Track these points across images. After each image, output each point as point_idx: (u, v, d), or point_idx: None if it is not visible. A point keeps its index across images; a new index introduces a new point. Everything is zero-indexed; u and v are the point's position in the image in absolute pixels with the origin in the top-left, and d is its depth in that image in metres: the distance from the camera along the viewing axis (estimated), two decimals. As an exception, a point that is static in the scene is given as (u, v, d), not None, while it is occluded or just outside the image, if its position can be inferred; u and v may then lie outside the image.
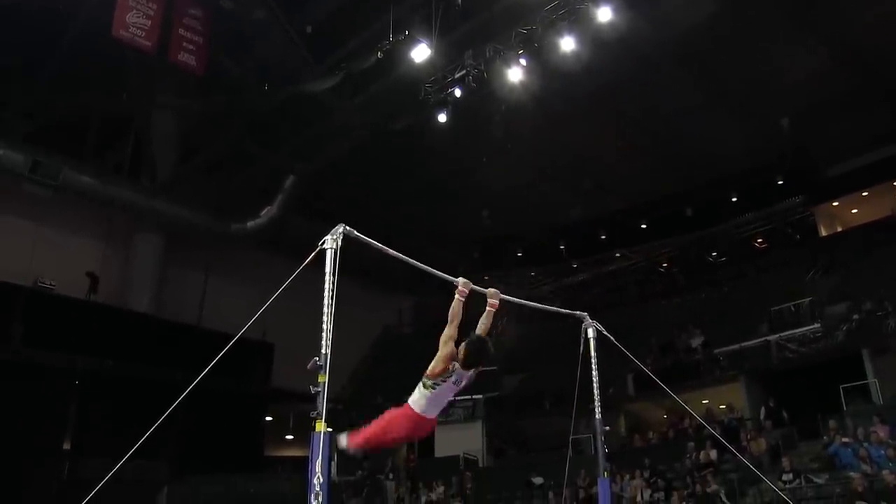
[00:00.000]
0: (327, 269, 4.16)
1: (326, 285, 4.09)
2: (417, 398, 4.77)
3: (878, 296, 16.07)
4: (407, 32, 15.14)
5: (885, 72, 17.78)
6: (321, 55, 17.05)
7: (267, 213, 20.09)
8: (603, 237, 25.47)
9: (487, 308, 5.08)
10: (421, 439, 4.36)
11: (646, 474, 14.70)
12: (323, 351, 3.86)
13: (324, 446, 3.62)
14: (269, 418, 21.85)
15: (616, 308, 22.94)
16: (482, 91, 15.47)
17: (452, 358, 4.65)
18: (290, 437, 24.18)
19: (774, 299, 18.65)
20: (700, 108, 18.90)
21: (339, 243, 4.24)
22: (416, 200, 22.47)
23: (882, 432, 12.32)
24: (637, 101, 18.71)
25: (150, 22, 15.40)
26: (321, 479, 3.55)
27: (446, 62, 15.54)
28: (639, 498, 14.08)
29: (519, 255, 26.63)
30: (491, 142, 19.55)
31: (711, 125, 19.73)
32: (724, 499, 12.66)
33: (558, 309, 6.93)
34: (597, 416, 6.18)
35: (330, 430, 3.72)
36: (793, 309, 18.11)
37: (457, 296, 4.90)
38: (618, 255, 25.84)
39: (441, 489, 17.42)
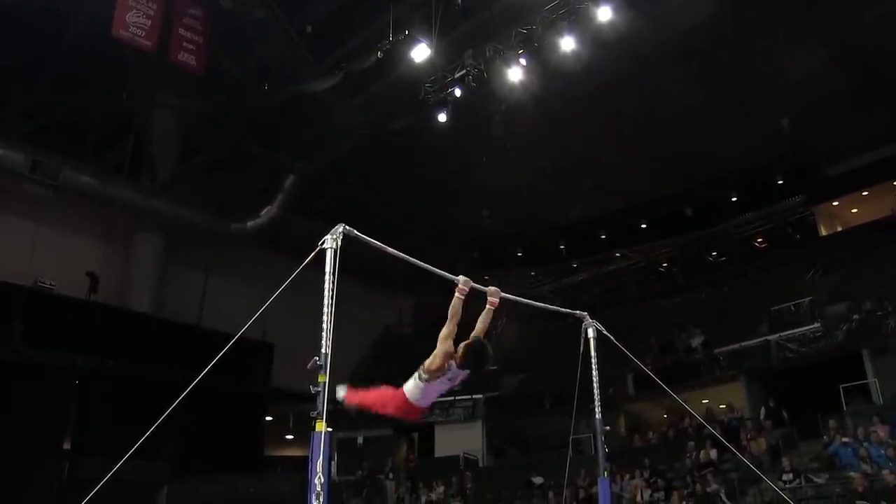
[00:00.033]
0: (327, 268, 4.16)
1: (326, 285, 4.09)
2: (412, 388, 4.85)
3: (878, 295, 16.07)
4: (407, 32, 15.14)
5: (885, 72, 17.77)
6: (321, 55, 17.05)
7: (267, 212, 20.08)
8: (603, 237, 25.48)
9: (487, 306, 5.09)
10: (410, 421, 4.62)
11: (646, 474, 14.70)
12: (323, 351, 3.86)
13: (324, 446, 3.62)
14: (269, 418, 21.86)
15: (616, 308, 22.93)
16: (482, 91, 15.47)
17: (450, 356, 4.70)
18: (290, 436, 24.19)
19: (774, 299, 18.65)
20: (700, 108, 18.90)
21: (339, 243, 4.24)
22: (415, 200, 22.47)
23: (882, 432, 12.32)
24: (637, 100, 18.71)
25: (150, 22, 15.40)
26: (321, 479, 3.55)
27: (446, 62, 15.53)
28: (639, 498, 14.08)
29: (519, 254, 26.63)
30: (491, 141, 19.55)
31: (711, 125, 19.73)
32: (724, 498, 12.66)
33: (558, 308, 6.92)
34: (597, 416, 6.19)
35: (330, 430, 3.72)
36: (793, 309, 18.11)
37: (457, 293, 4.92)
38: (618, 254, 25.85)
39: (441, 489, 17.42)
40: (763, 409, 15.92)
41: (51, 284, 17.54)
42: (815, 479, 12.12)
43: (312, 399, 3.74)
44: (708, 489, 12.87)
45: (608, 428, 11.93)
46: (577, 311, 6.48)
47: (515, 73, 14.98)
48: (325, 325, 3.95)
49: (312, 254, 4.25)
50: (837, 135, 19.99)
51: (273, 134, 19.20)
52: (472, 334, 4.89)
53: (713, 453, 14.14)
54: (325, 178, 20.97)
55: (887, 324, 15.17)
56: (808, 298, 18.01)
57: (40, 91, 17.22)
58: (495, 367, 21.97)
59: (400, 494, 18.53)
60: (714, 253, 25.01)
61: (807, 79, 17.79)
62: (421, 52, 15.12)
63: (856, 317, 16.11)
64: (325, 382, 3.77)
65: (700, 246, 24.72)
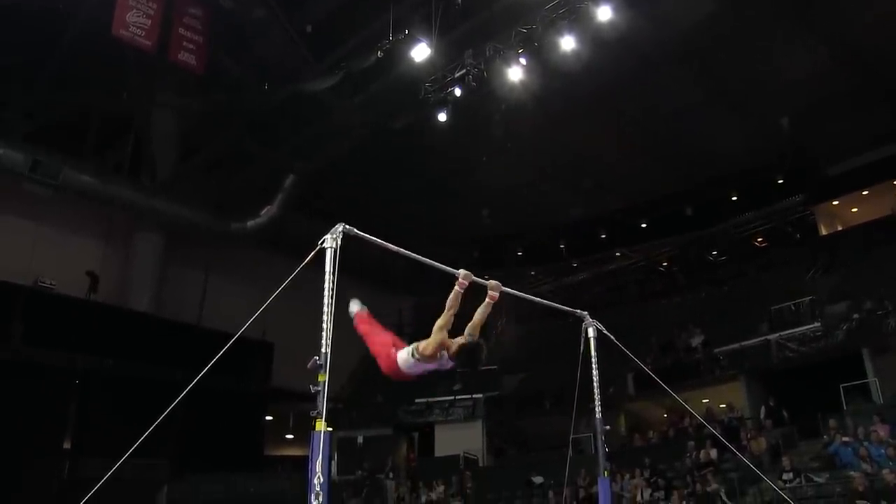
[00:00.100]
0: (327, 268, 4.15)
1: (326, 284, 4.09)
2: (404, 359, 4.99)
3: (878, 295, 16.07)
4: (407, 32, 15.13)
5: (885, 72, 17.76)
6: (321, 54, 17.04)
7: (267, 212, 20.08)
8: (603, 236, 25.48)
9: (487, 300, 5.09)
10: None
11: (646, 473, 14.70)
12: (323, 350, 3.86)
13: (324, 446, 3.62)
14: (269, 417, 21.86)
15: (616, 307, 22.92)
16: (482, 90, 15.46)
17: (444, 347, 4.82)
18: (290, 436, 24.19)
19: (774, 298, 18.65)
20: (700, 107, 18.90)
21: (339, 242, 4.24)
22: (415, 199, 22.47)
23: (882, 431, 12.33)
24: (637, 100, 18.70)
25: (150, 21, 15.38)
26: (321, 479, 3.54)
27: (446, 61, 15.52)
28: (639, 497, 14.08)
29: (519, 254, 26.63)
30: (491, 141, 19.54)
31: (711, 124, 19.72)
32: (724, 498, 12.66)
33: (559, 306, 6.90)
34: (597, 416, 6.19)
35: (330, 429, 3.71)
36: (793, 308, 18.11)
37: (456, 286, 4.93)
38: (618, 254, 25.86)
39: (441, 489, 17.42)
40: (763, 409, 15.92)
41: (51, 284, 17.54)
42: (816, 479, 12.12)
43: (312, 399, 3.74)
44: (708, 489, 12.87)
45: (608, 427, 11.96)
46: (578, 311, 6.47)
47: (515, 73, 14.97)
48: (325, 325, 3.94)
49: (312, 253, 4.25)
50: (837, 134, 19.98)
51: (273, 133, 19.20)
52: (469, 326, 4.95)
53: (713, 453, 14.14)
54: (325, 178, 20.96)
55: (887, 323, 15.17)
56: (808, 298, 18.01)
57: (40, 91, 17.20)
58: (495, 367, 22.01)
59: (400, 494, 18.53)
60: (714, 252, 25.01)
61: (807, 78, 17.79)
62: (421, 52, 15.11)
63: (856, 316, 16.11)
64: (325, 382, 3.76)
65: (700, 245, 24.72)
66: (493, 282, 5.20)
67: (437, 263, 5.26)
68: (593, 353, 6.24)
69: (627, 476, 14.79)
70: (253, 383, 20.09)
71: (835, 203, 22.65)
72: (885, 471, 11.07)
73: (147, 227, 20.10)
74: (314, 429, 3.66)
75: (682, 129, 19.81)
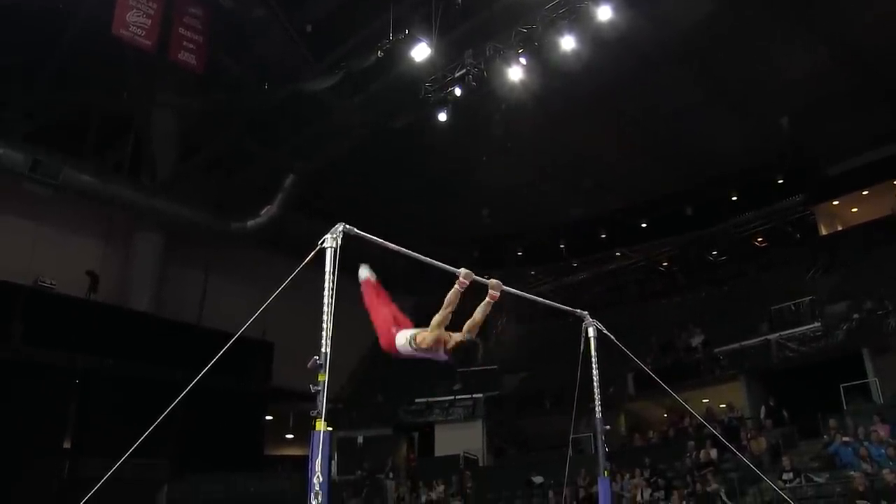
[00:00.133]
0: (327, 267, 4.15)
1: (326, 284, 4.08)
2: (402, 343, 5.08)
3: (878, 295, 16.07)
4: (407, 31, 15.12)
5: (885, 72, 17.75)
6: (321, 54, 17.03)
7: (267, 211, 20.08)
8: (603, 236, 25.46)
9: (487, 299, 5.09)
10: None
11: (646, 473, 14.70)
12: (323, 350, 3.85)
13: (324, 445, 3.62)
14: (269, 417, 21.86)
15: (616, 307, 22.94)
16: (482, 90, 15.45)
17: (440, 343, 4.87)
18: (290, 436, 24.20)
19: (775, 298, 18.65)
20: (700, 107, 18.89)
21: (339, 242, 4.24)
22: (415, 199, 22.46)
23: (882, 431, 12.33)
24: (637, 100, 18.69)
25: (150, 21, 15.38)
26: (321, 479, 3.54)
27: (446, 61, 15.51)
28: (639, 497, 14.07)
29: (519, 254, 26.62)
30: (491, 141, 19.54)
31: (711, 124, 19.71)
32: (724, 498, 12.66)
33: (559, 305, 6.89)
34: (597, 416, 6.18)
35: (330, 429, 3.71)
36: (793, 308, 18.11)
37: (456, 285, 4.93)
38: (618, 253, 25.85)
39: (441, 488, 17.42)
40: (763, 409, 15.92)
41: (51, 284, 17.55)
42: (816, 479, 12.12)
43: (312, 398, 3.73)
44: (708, 489, 12.87)
45: (608, 427, 11.96)
46: (578, 311, 6.46)
47: (515, 73, 14.96)
48: (325, 325, 3.94)
49: (312, 253, 4.24)
50: (837, 134, 19.98)
51: (273, 133, 19.20)
52: (468, 324, 4.99)
53: (713, 453, 14.13)
54: (325, 178, 20.95)
55: (887, 323, 15.17)
56: (808, 298, 18.01)
57: (40, 91, 17.20)
58: (495, 367, 22.01)
59: (400, 494, 18.53)
60: (714, 252, 25.02)
61: (806, 78, 17.78)
62: (421, 52, 15.10)
63: (856, 316, 16.11)
64: (324, 382, 3.76)
65: (700, 245, 24.73)
66: (493, 281, 5.18)
67: (437, 263, 5.26)
68: (593, 352, 6.23)
69: (627, 476, 14.78)
70: (253, 383, 20.09)
71: (835, 203, 22.65)
72: (885, 471, 11.06)
73: (147, 226, 20.10)
74: (314, 429, 3.66)
75: (682, 129, 19.80)
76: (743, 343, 17.65)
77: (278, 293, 4.41)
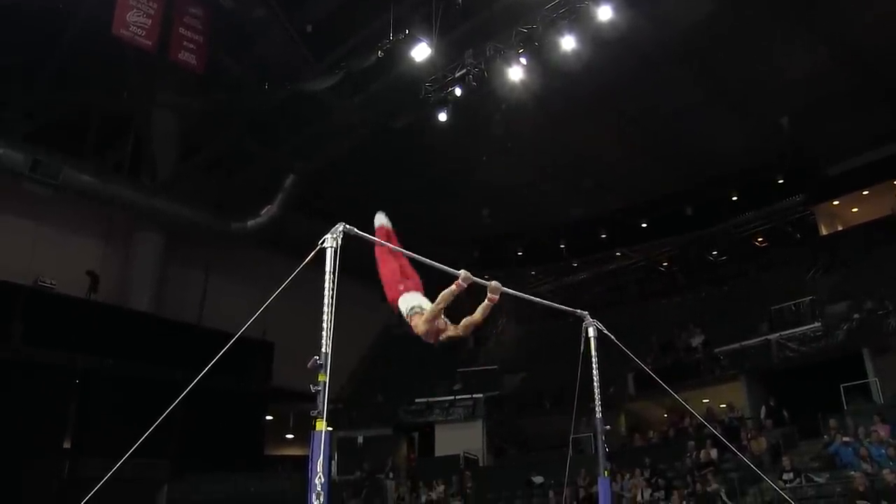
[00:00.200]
0: (327, 267, 4.14)
1: (326, 284, 4.08)
2: (403, 309, 5.25)
3: (878, 295, 16.07)
4: (407, 31, 15.12)
5: (885, 72, 17.74)
6: (321, 54, 17.03)
7: (267, 211, 20.09)
8: (603, 236, 25.45)
9: (486, 301, 5.08)
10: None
11: (646, 473, 14.69)
12: (323, 350, 3.84)
13: (324, 445, 3.61)
14: (269, 417, 21.86)
15: (616, 307, 22.94)
16: (482, 90, 15.45)
17: (432, 332, 5.00)
18: (290, 436, 24.20)
19: (775, 298, 18.65)
20: (700, 107, 18.88)
21: (340, 242, 4.23)
22: (416, 199, 22.41)
23: (883, 431, 12.32)
24: (637, 100, 18.68)
25: (150, 21, 15.38)
26: (322, 479, 3.53)
27: (446, 61, 15.51)
28: (639, 497, 14.07)
29: (519, 253, 26.61)
30: (491, 141, 19.53)
31: (711, 124, 19.71)
32: (724, 498, 12.66)
33: (559, 305, 6.89)
34: (597, 416, 6.17)
35: (330, 429, 3.71)
36: (793, 308, 18.10)
37: (453, 285, 4.92)
38: (618, 253, 25.85)
39: (441, 488, 17.42)
40: (763, 409, 15.92)
41: (51, 284, 17.55)
42: (816, 479, 12.11)
43: (312, 398, 3.73)
44: (708, 489, 12.87)
45: (608, 427, 11.95)
46: (578, 311, 6.45)
47: (516, 73, 14.96)
48: (325, 325, 3.93)
49: (312, 253, 4.23)
50: (837, 134, 19.97)
51: (273, 133, 19.20)
52: (465, 320, 5.08)
53: (713, 453, 14.13)
54: (325, 178, 20.95)
55: (888, 323, 15.17)
56: (808, 298, 18.00)
57: (40, 91, 17.19)
58: (495, 367, 22.02)
59: (400, 494, 18.53)
60: (714, 252, 25.02)
61: (806, 78, 17.77)
62: (421, 52, 15.10)
63: (856, 316, 16.11)
64: (325, 382, 3.75)
65: (700, 245, 24.72)
66: (493, 283, 5.12)
67: (437, 263, 5.25)
68: (593, 352, 6.22)
69: (627, 476, 14.78)
70: (253, 383, 20.09)
71: (835, 203, 22.64)
72: (885, 471, 11.06)
73: (147, 226, 20.10)
74: (314, 429, 3.65)
75: (682, 129, 19.80)
76: (743, 343, 17.64)
77: (278, 293, 4.40)
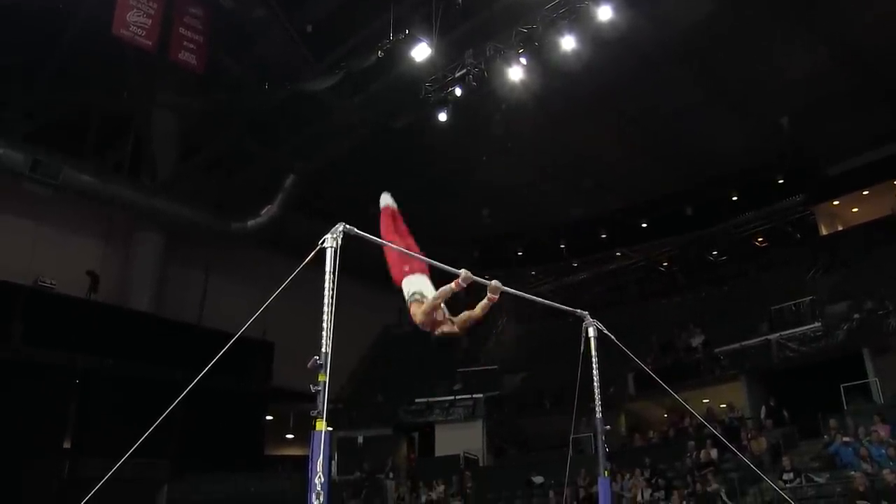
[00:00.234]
0: (327, 267, 4.14)
1: (326, 284, 4.07)
2: (405, 289, 5.37)
3: (878, 295, 16.06)
4: (407, 31, 15.12)
5: (885, 72, 17.74)
6: (321, 54, 17.04)
7: (267, 211, 20.09)
8: (603, 236, 25.46)
9: (486, 300, 5.09)
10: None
11: (646, 473, 14.69)
12: (323, 350, 3.84)
13: (324, 445, 3.61)
14: (269, 417, 21.86)
15: (616, 307, 22.91)
16: (482, 90, 15.45)
17: (430, 324, 5.04)
18: (290, 436, 24.20)
19: (775, 298, 18.64)
20: (700, 107, 18.89)
21: (340, 242, 4.23)
22: (416, 199, 22.16)
23: (883, 431, 12.32)
24: (637, 100, 18.69)
25: (150, 21, 15.38)
26: (322, 479, 3.53)
27: (447, 61, 15.52)
28: (639, 497, 14.06)
29: (519, 253, 26.62)
30: (491, 141, 19.54)
31: (711, 124, 19.71)
32: (724, 498, 12.65)
33: (559, 305, 6.88)
34: (597, 416, 6.16)
35: (330, 429, 3.70)
36: (793, 308, 18.09)
37: (452, 283, 4.93)
38: (618, 253, 25.86)
39: (441, 488, 17.41)
40: (763, 409, 15.91)
41: (51, 284, 17.56)
42: (816, 479, 12.11)
43: (312, 398, 3.72)
44: (708, 489, 12.86)
45: (608, 427, 11.94)
46: (578, 310, 6.45)
47: (516, 73, 14.96)
48: (325, 325, 3.93)
49: (312, 253, 4.23)
50: (837, 134, 19.97)
51: (273, 133, 19.20)
52: (462, 315, 5.12)
53: (713, 453, 14.13)
54: (325, 178, 20.95)
55: (888, 323, 15.16)
56: (808, 298, 17.99)
57: (40, 91, 17.20)
58: (495, 367, 22.00)
59: (400, 494, 18.52)
60: (714, 252, 25.02)
61: (806, 78, 17.77)
62: (421, 52, 15.11)
63: (856, 316, 16.10)
64: (325, 382, 3.75)
65: (700, 245, 24.72)
66: (494, 283, 5.12)
67: (437, 263, 5.25)
68: (593, 352, 6.22)
69: (627, 476, 14.77)
70: (253, 383, 20.10)
71: (835, 203, 22.64)
72: (885, 471, 11.06)
73: (147, 226, 20.10)
74: (314, 429, 3.64)
75: (682, 129, 19.80)
76: (743, 343, 17.63)
77: (278, 293, 4.40)
